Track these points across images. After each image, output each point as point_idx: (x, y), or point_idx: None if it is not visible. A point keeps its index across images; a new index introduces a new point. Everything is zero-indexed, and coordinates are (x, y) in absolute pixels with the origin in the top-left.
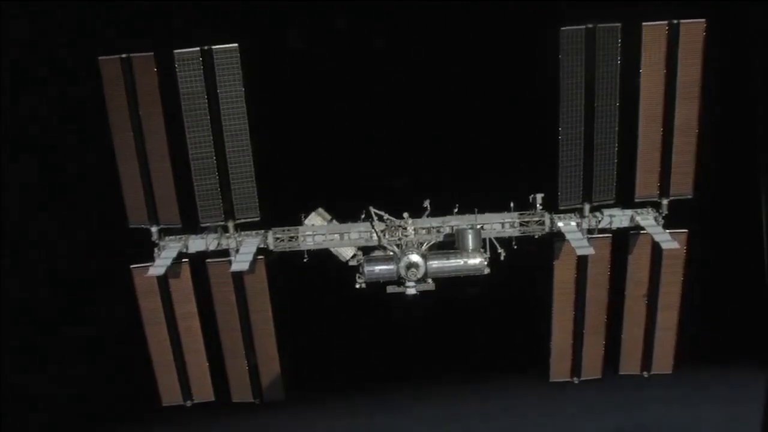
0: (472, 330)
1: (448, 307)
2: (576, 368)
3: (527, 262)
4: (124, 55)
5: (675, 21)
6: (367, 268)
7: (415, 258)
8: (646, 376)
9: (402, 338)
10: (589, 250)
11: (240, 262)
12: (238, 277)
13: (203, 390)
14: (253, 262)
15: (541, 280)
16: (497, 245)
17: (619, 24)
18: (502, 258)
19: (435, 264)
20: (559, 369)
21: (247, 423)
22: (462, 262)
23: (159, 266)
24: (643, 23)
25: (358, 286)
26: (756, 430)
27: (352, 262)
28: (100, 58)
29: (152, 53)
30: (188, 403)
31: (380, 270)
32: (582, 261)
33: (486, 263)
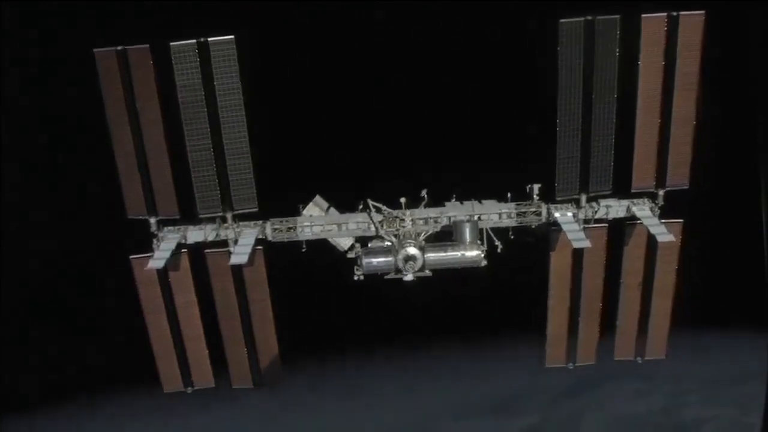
0: (470, 317)
1: (445, 296)
2: (571, 354)
3: (524, 251)
4: (119, 47)
5: (674, 13)
6: (365, 260)
7: (412, 251)
8: (639, 361)
9: (400, 327)
10: (586, 243)
11: (239, 255)
12: (237, 267)
13: (204, 377)
14: (252, 254)
15: (537, 268)
16: (494, 237)
17: (618, 16)
18: (499, 250)
19: (432, 256)
20: (554, 355)
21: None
22: (459, 255)
23: (158, 259)
24: (643, 15)
25: (356, 278)
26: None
27: (350, 254)
28: (95, 50)
29: (148, 45)
30: (189, 390)
31: (378, 263)
32: (578, 251)
33: (483, 255)
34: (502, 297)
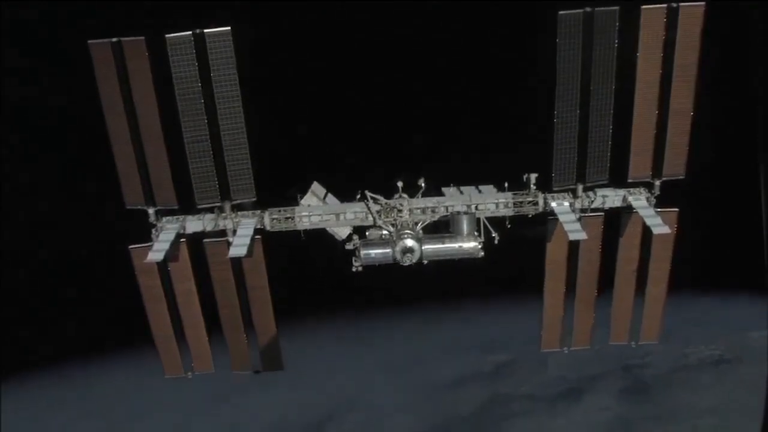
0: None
1: (442, 279)
2: (566, 339)
3: (521, 242)
4: (114, 39)
5: (674, 4)
6: (363, 252)
7: (410, 243)
8: (633, 346)
9: (398, 316)
10: (582, 235)
11: (238, 247)
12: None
13: (204, 363)
14: (251, 246)
15: (534, 257)
16: (491, 229)
17: (617, 8)
18: (496, 242)
19: (430, 248)
20: (549, 340)
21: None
22: (457, 246)
23: (158, 251)
24: (642, 6)
25: (354, 269)
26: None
27: (348, 245)
28: (90, 42)
29: (143, 38)
30: (189, 375)
31: (376, 254)
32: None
33: (480, 247)
34: (496, 276)
